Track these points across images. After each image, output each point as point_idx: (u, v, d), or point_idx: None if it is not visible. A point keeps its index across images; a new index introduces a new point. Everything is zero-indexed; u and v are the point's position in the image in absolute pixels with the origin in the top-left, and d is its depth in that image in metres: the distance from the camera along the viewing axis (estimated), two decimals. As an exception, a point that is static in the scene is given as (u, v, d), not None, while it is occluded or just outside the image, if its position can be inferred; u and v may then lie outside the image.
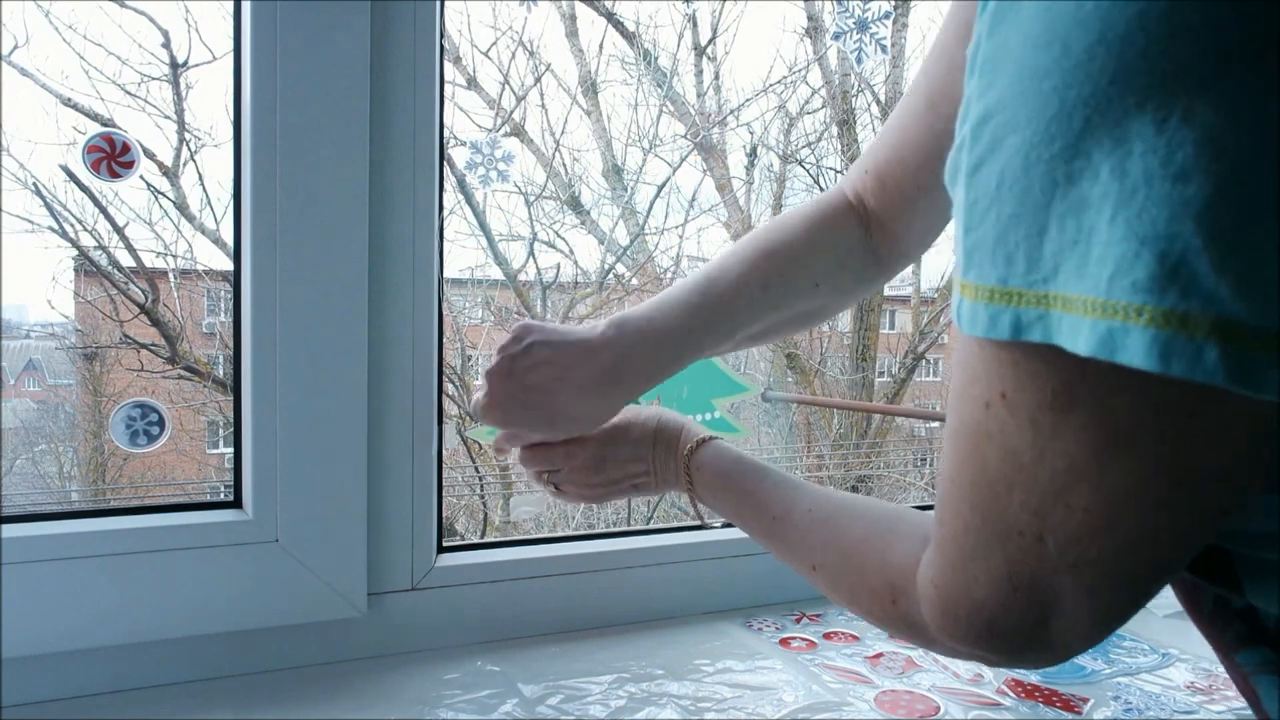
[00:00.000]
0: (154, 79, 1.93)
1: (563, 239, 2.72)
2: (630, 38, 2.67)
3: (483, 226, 2.57)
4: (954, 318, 0.35)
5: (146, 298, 2.01)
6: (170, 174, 2.05)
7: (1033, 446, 0.34)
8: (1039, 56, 0.29)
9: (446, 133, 0.77)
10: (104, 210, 1.93)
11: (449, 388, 2.74)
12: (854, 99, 2.93)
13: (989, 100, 0.31)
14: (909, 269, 3.31)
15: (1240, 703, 0.72)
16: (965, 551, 0.38)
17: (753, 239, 0.66)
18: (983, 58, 0.32)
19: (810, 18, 2.75)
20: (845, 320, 3.20)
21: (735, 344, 0.67)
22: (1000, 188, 0.30)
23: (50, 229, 1.83)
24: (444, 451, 0.81)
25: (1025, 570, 0.36)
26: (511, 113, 2.58)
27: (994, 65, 0.31)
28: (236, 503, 0.72)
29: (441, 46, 0.77)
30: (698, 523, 0.69)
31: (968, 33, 0.35)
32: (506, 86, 2.55)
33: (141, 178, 1.94)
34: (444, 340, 0.80)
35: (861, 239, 0.67)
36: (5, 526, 0.64)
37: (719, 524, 0.73)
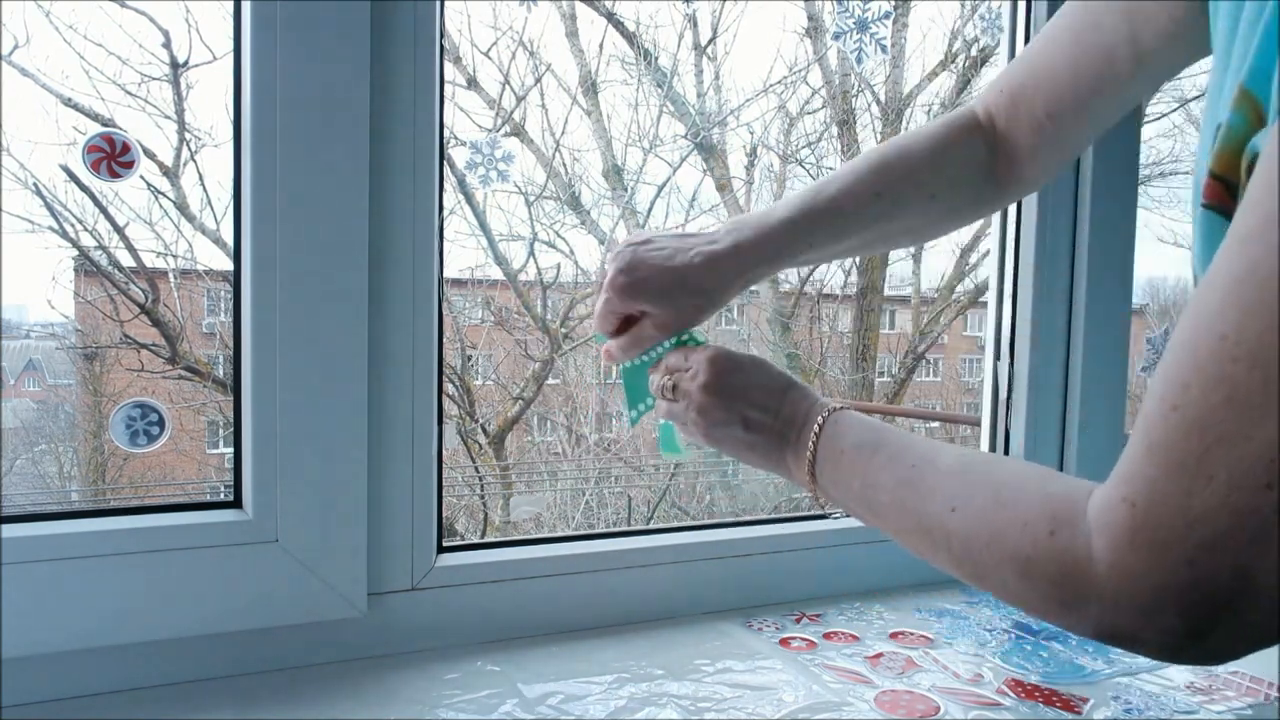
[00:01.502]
0: (154, 79, 1.93)
1: (563, 239, 2.72)
2: (630, 38, 2.67)
3: (483, 226, 2.57)
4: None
5: (147, 298, 2.01)
6: (170, 174, 2.05)
7: None
8: None
9: (447, 133, 0.76)
10: (104, 210, 1.93)
11: (449, 388, 2.74)
12: (854, 99, 2.93)
13: None
14: (909, 270, 3.31)
15: (1240, 702, 0.72)
16: (1212, 435, 0.32)
17: (875, 149, 0.68)
18: None
19: (810, 18, 2.75)
20: (845, 320, 3.20)
21: (847, 249, 0.68)
22: None
23: (50, 229, 1.83)
24: (444, 451, 0.81)
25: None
26: (512, 113, 2.58)
27: None
28: (236, 503, 0.72)
29: (441, 46, 0.77)
30: (693, 523, 0.68)
31: None
32: (507, 86, 2.55)
33: (142, 178, 1.94)
34: (444, 340, 0.80)
35: (984, 158, 0.66)
36: (5, 526, 0.64)
37: (837, 514, 0.70)
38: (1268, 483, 0.31)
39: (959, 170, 0.66)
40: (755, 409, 0.60)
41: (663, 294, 0.64)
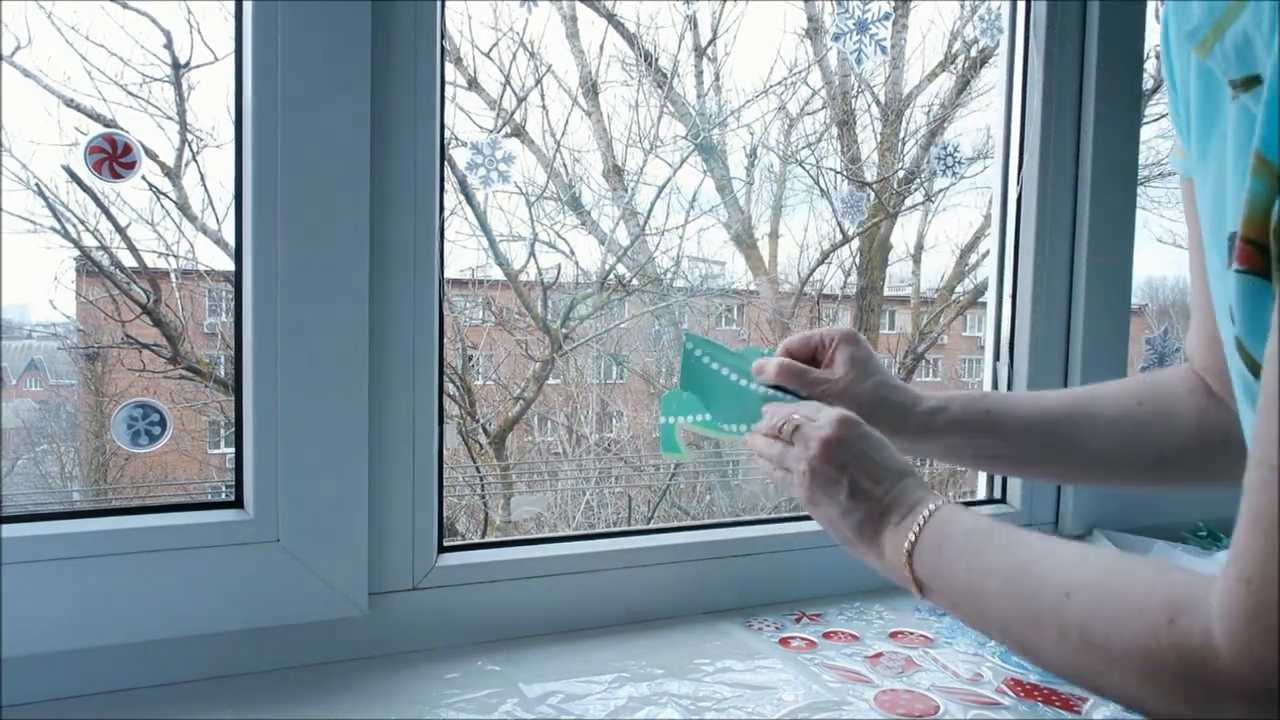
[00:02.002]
0: (156, 80, 1.93)
1: (563, 239, 2.72)
2: (631, 39, 2.67)
3: (484, 227, 2.58)
4: None
5: (148, 298, 2.01)
6: (172, 174, 2.05)
7: None
8: None
9: (447, 133, 0.77)
10: (106, 210, 1.94)
11: (449, 388, 2.74)
12: (854, 100, 2.93)
13: None
14: (909, 270, 3.31)
15: (1239, 703, 0.72)
16: None
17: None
18: None
19: (810, 19, 2.75)
20: (845, 320, 3.20)
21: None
22: None
23: (52, 229, 1.83)
24: (444, 451, 0.81)
25: None
26: (512, 113, 2.59)
27: None
28: (238, 502, 0.72)
29: (442, 47, 0.77)
30: (693, 523, 0.68)
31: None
32: (507, 87, 2.55)
33: (143, 178, 1.94)
34: (444, 340, 0.80)
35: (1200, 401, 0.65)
36: (6, 526, 0.64)
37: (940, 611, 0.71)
38: None
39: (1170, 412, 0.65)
40: (867, 478, 0.60)
41: (870, 374, 0.68)
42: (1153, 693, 0.39)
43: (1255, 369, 0.40)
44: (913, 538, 0.56)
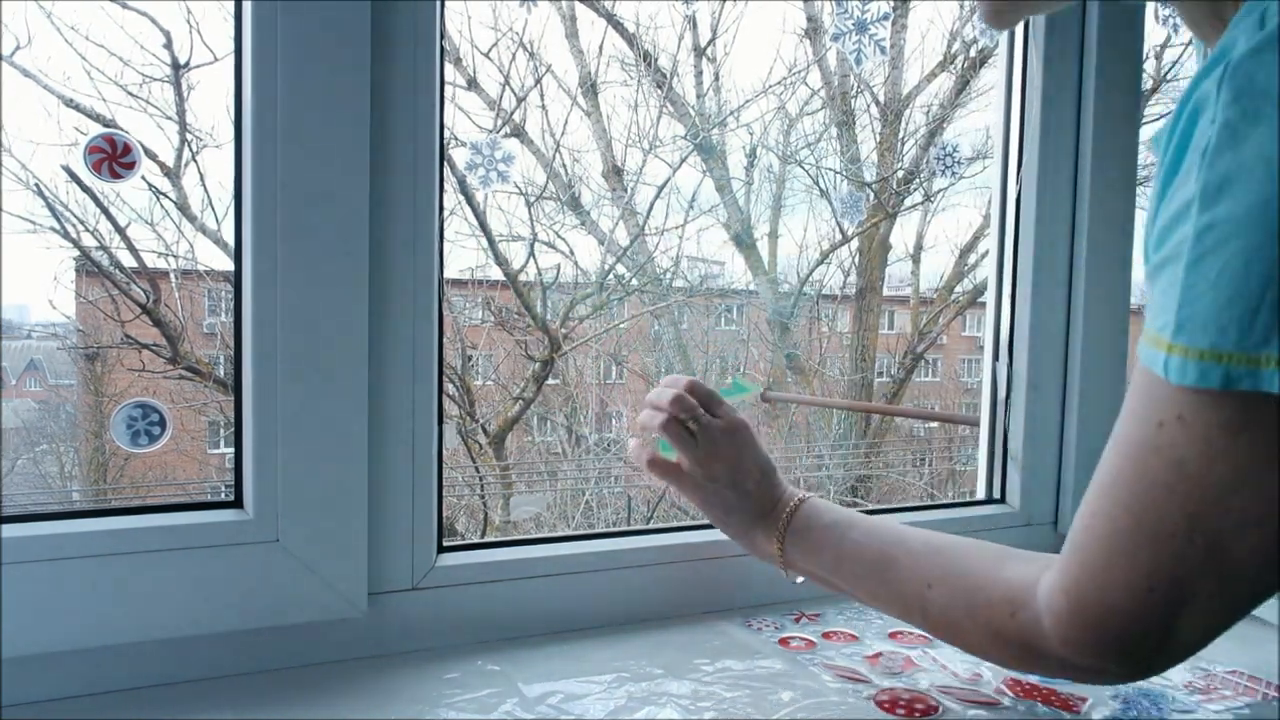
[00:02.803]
0: (156, 80, 1.93)
1: (563, 239, 2.72)
2: (630, 39, 2.67)
3: (483, 227, 2.57)
4: (1154, 366, 0.41)
5: (148, 298, 2.01)
6: (172, 174, 2.05)
7: (1202, 457, 0.40)
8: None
9: (447, 133, 0.77)
10: (105, 211, 1.94)
11: (449, 388, 2.74)
12: (853, 100, 2.93)
13: (1217, 212, 0.39)
14: (908, 270, 3.31)
15: (1238, 701, 0.72)
16: (1108, 555, 0.43)
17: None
18: (1219, 175, 0.39)
19: (810, 19, 2.75)
20: (844, 320, 3.20)
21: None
22: (1220, 278, 0.38)
23: (52, 229, 1.84)
24: (444, 451, 0.81)
25: (1167, 571, 0.41)
26: (512, 114, 2.58)
27: (1226, 182, 0.38)
28: (237, 502, 0.72)
29: (442, 47, 0.77)
30: (693, 523, 0.70)
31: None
32: (507, 87, 2.55)
33: (143, 178, 1.94)
34: (444, 340, 0.80)
35: None
36: (5, 526, 0.64)
37: (799, 580, 0.78)
38: (1149, 588, 0.43)
39: None
40: (750, 479, 0.75)
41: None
42: (1001, 656, 0.54)
43: None
44: (780, 529, 0.72)
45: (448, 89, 0.80)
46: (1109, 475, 0.44)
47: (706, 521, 0.84)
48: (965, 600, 0.55)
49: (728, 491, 0.75)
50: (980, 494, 1.08)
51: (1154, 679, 0.76)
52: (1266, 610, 0.86)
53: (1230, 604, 0.42)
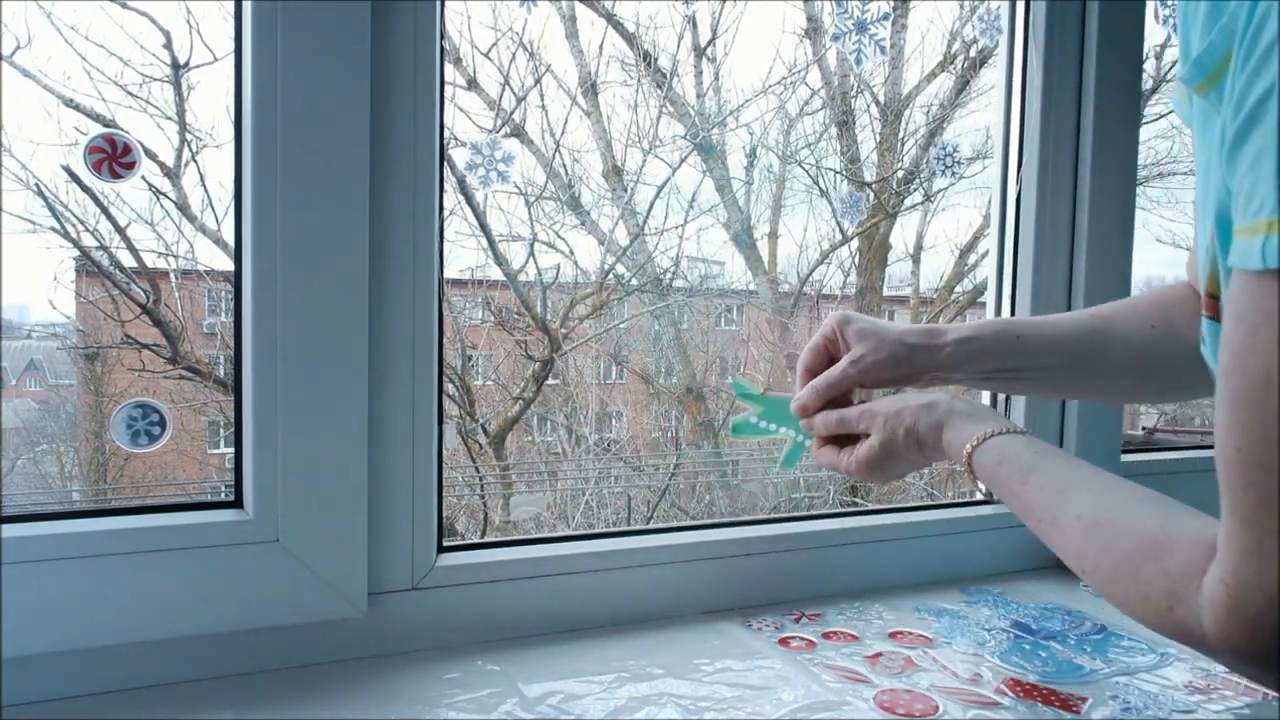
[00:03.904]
0: (155, 80, 1.93)
1: (563, 239, 2.72)
2: (630, 39, 2.67)
3: (483, 227, 2.58)
4: (1251, 260, 0.38)
5: (148, 298, 2.01)
6: (172, 174, 2.05)
7: None
8: None
9: (447, 133, 0.77)
10: (105, 211, 1.94)
11: (449, 388, 2.74)
12: (853, 100, 2.93)
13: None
14: (908, 270, 3.31)
15: (1239, 702, 0.72)
16: (1260, 528, 0.39)
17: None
18: (1265, 45, 0.38)
19: (809, 19, 2.75)
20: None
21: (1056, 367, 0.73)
22: None
23: (52, 229, 1.83)
24: (444, 451, 0.81)
25: None
26: (512, 113, 2.58)
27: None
28: (237, 502, 0.72)
29: (442, 47, 0.77)
30: (693, 523, 0.70)
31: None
32: (507, 87, 2.55)
33: (143, 178, 1.94)
34: (444, 340, 0.80)
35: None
36: (5, 526, 0.64)
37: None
38: None
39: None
40: (914, 467, 0.72)
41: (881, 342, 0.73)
42: (1163, 634, 0.48)
43: None
44: (970, 449, 0.65)
45: (448, 89, 0.80)
46: (1238, 433, 0.39)
47: (706, 521, 0.84)
48: (1123, 593, 0.50)
49: (906, 457, 0.71)
50: (980, 494, 1.08)
51: (1152, 678, 0.76)
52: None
53: None
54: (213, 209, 2.10)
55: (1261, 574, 0.39)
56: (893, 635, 0.84)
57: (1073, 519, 0.55)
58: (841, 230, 3.02)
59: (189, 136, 2.01)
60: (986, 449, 0.63)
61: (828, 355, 0.77)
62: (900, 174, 3.01)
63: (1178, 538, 0.47)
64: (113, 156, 0.73)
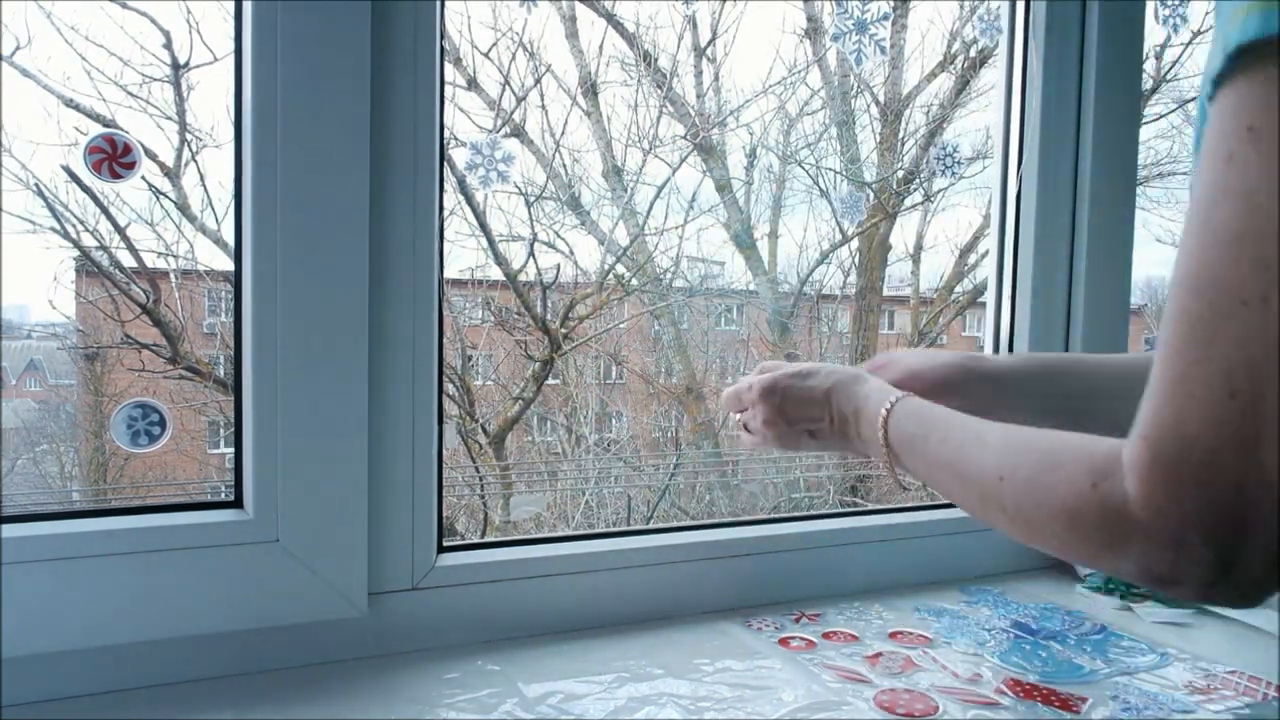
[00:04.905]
0: (155, 80, 1.93)
1: (563, 239, 2.72)
2: (630, 39, 2.67)
3: (483, 227, 2.58)
4: (1239, 37, 0.36)
5: (148, 298, 2.01)
6: (172, 174, 2.05)
7: (1271, 176, 0.34)
8: None
9: (447, 134, 0.77)
10: (105, 211, 1.94)
11: (449, 388, 2.74)
12: (853, 100, 2.93)
13: None
14: (908, 270, 3.31)
15: (1238, 701, 0.72)
16: (1184, 365, 0.37)
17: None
18: None
19: (810, 19, 2.75)
20: (844, 320, 3.21)
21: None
22: None
23: (52, 229, 1.84)
24: (444, 451, 0.81)
25: (1247, 356, 0.35)
26: (512, 114, 2.59)
27: None
28: (237, 502, 0.72)
29: (442, 47, 0.77)
30: (693, 523, 0.70)
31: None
32: (507, 87, 2.55)
33: (143, 178, 1.94)
34: (444, 340, 0.80)
35: None
36: (5, 526, 0.64)
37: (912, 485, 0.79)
38: (1230, 391, 0.35)
39: None
40: (812, 422, 0.73)
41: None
42: (1078, 543, 0.45)
43: None
44: (883, 447, 0.64)
45: (448, 89, 0.80)
46: (1180, 264, 0.37)
47: (706, 521, 0.84)
48: (1044, 484, 0.46)
49: (811, 441, 0.75)
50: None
51: (1152, 678, 0.76)
52: (1265, 620, 0.86)
53: None
54: (213, 209, 2.10)
55: (1182, 414, 0.37)
56: (893, 635, 0.84)
57: (1003, 429, 0.53)
58: (841, 230, 3.02)
59: (189, 136, 2.02)
60: (908, 401, 0.64)
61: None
62: (900, 174, 3.01)
63: (1105, 439, 0.45)
64: (113, 156, 0.73)
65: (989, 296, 1.10)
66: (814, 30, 2.75)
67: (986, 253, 1.14)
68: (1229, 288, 0.36)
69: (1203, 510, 0.36)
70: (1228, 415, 0.35)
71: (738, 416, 0.79)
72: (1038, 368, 0.74)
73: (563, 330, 2.81)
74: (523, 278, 2.73)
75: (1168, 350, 0.38)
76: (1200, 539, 0.37)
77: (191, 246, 2.12)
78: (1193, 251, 0.38)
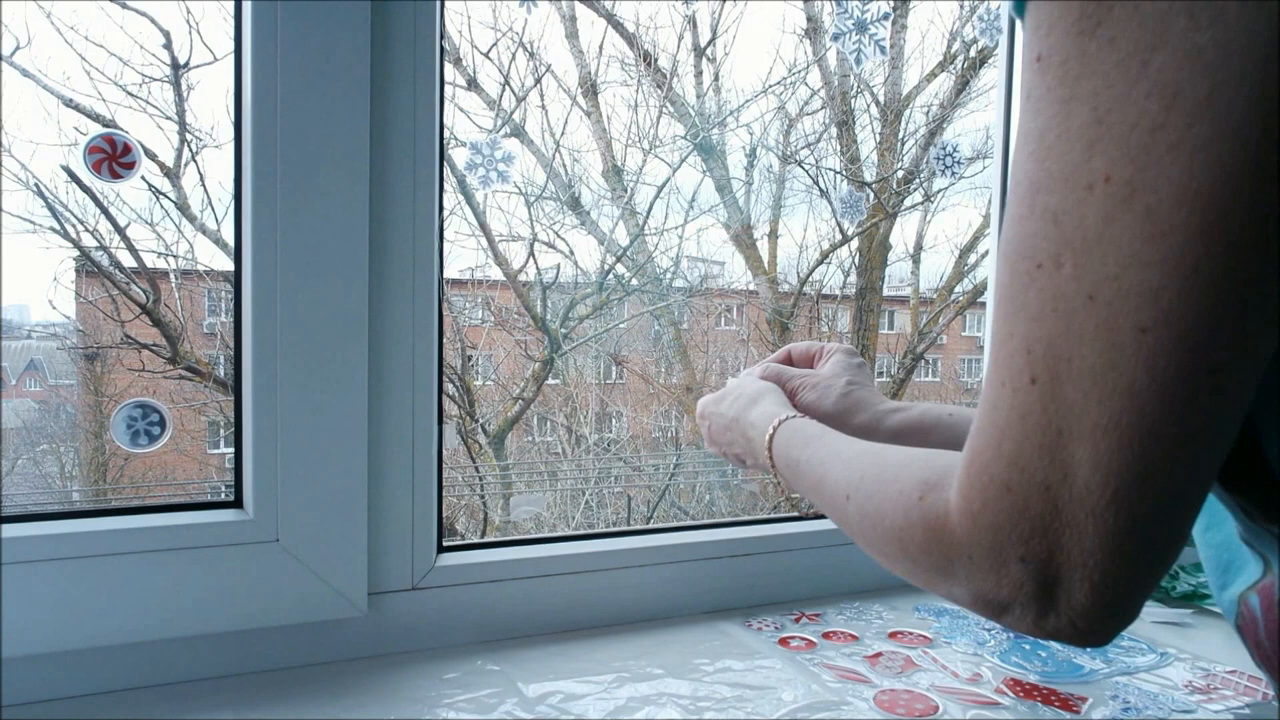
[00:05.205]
0: (155, 80, 1.93)
1: (563, 239, 2.72)
2: (630, 39, 2.67)
3: (483, 227, 2.58)
4: None
5: (148, 298, 2.01)
6: (171, 174, 2.05)
7: (1058, 107, 0.30)
8: None
9: (447, 133, 0.77)
10: (105, 211, 1.94)
11: (449, 388, 2.74)
12: (853, 100, 2.93)
13: None
14: (908, 270, 3.31)
15: (1238, 702, 0.72)
16: (995, 341, 0.34)
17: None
18: None
19: (809, 19, 2.75)
20: (844, 320, 3.21)
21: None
22: None
23: (52, 229, 1.84)
24: (444, 451, 0.81)
25: (1042, 337, 0.31)
26: (512, 113, 2.59)
27: None
28: (237, 502, 0.72)
29: (441, 47, 0.77)
30: (693, 522, 0.71)
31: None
32: (506, 87, 2.55)
33: (143, 178, 1.94)
34: (444, 340, 0.80)
35: None
36: (5, 526, 0.64)
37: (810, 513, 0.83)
38: (1031, 376, 0.32)
39: None
40: (731, 445, 0.74)
41: None
42: (909, 564, 0.41)
43: None
44: (772, 469, 0.65)
45: (448, 89, 0.80)
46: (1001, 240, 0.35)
47: (706, 521, 0.84)
48: (879, 499, 0.44)
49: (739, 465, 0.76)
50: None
51: (1152, 678, 0.76)
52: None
53: (1142, 439, 0.30)
54: (213, 209, 2.10)
55: (993, 406, 0.33)
56: (893, 635, 0.84)
57: (857, 451, 0.52)
58: (841, 230, 3.02)
59: (189, 136, 2.02)
60: (789, 425, 0.64)
61: (811, 357, 0.80)
62: (900, 174, 3.01)
63: (953, 452, 0.41)
64: (113, 156, 0.73)
65: (989, 296, 1.10)
66: (814, 30, 2.75)
67: (986, 253, 1.14)
68: (1023, 248, 0.33)
69: (1015, 519, 0.33)
70: (1029, 404, 0.32)
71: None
72: (914, 420, 0.72)
73: (563, 330, 2.81)
74: (523, 278, 2.73)
75: (991, 327, 0.36)
76: (1017, 555, 0.33)
77: (191, 246, 2.12)
78: (1009, 215, 0.35)
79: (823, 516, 0.96)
